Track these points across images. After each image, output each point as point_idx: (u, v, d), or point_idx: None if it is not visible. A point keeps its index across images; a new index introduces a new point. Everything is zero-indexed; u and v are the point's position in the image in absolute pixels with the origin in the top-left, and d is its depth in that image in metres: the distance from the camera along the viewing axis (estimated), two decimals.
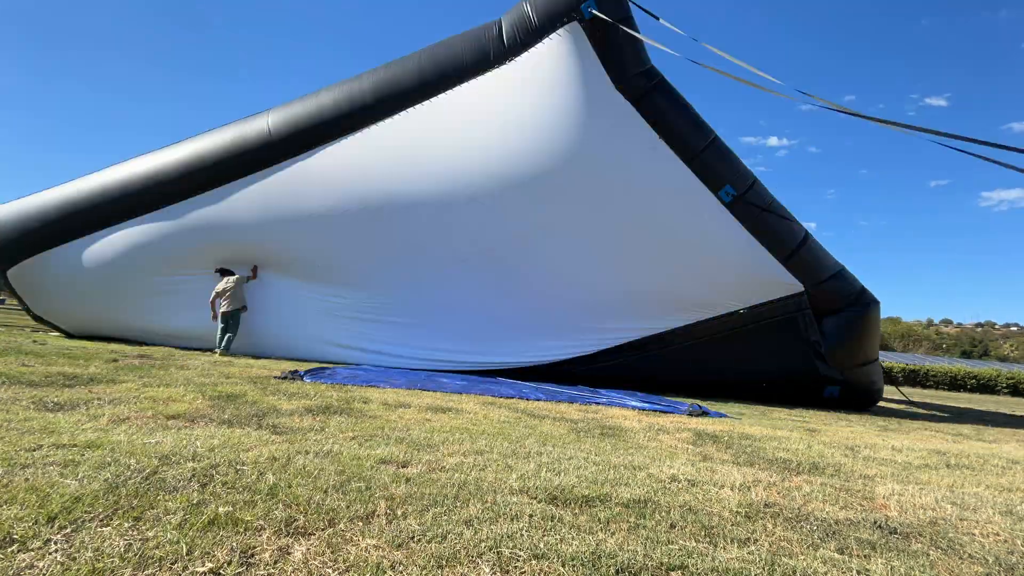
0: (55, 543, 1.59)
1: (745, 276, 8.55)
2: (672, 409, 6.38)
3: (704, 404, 6.94)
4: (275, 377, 5.96)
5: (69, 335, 9.18)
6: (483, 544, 1.82)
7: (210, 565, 1.54)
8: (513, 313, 8.84)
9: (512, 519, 2.08)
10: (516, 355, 8.83)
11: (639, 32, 8.04)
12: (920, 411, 9.90)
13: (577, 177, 8.17)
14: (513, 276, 8.72)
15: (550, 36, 8.06)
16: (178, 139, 8.94)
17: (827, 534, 2.23)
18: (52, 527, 1.68)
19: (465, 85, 8.22)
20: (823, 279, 8.59)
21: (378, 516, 2.01)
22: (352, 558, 1.66)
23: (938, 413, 8.20)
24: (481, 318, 8.81)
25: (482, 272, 8.64)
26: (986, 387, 27.86)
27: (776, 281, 8.54)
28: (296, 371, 6.61)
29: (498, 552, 1.77)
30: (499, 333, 8.80)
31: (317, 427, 3.53)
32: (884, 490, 3.08)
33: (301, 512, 1.97)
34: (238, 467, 2.44)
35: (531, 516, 2.12)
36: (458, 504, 2.20)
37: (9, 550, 1.53)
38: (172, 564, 1.53)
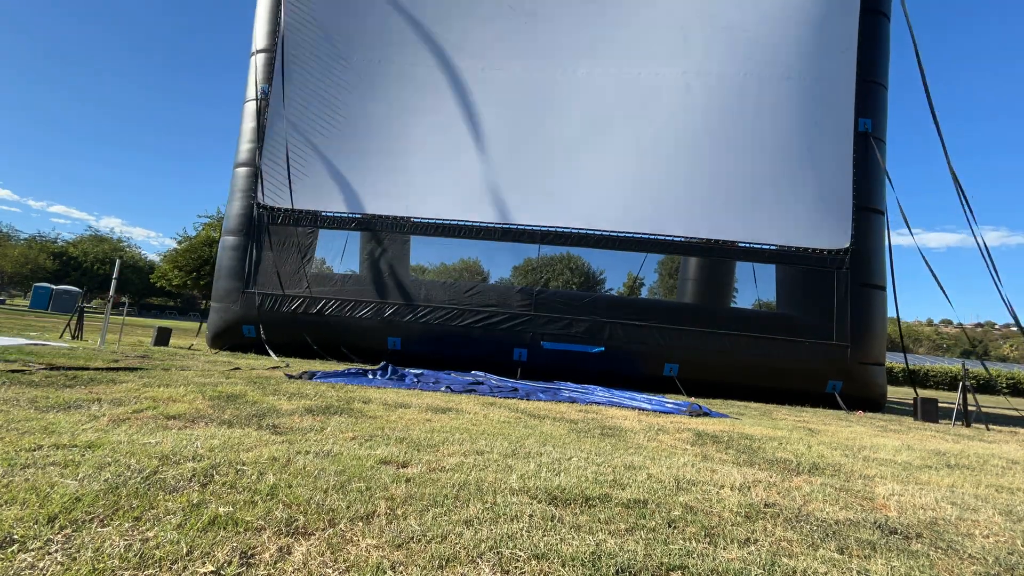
0: (55, 543, 1.59)
1: (818, 206, 9.27)
2: (672, 409, 6.38)
3: (704, 404, 6.95)
4: (291, 376, 5.95)
5: None
6: (483, 544, 1.82)
7: (210, 566, 1.54)
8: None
9: (512, 519, 2.07)
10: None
11: None
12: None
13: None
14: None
15: None
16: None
17: (827, 534, 2.23)
18: (52, 527, 1.68)
19: None
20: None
21: (378, 516, 2.01)
22: (352, 558, 1.66)
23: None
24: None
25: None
26: (986, 387, 27.86)
27: (834, 226, 9.17)
28: (308, 370, 6.64)
29: (498, 552, 1.77)
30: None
31: (317, 427, 3.53)
32: (884, 490, 3.08)
33: (301, 512, 1.97)
34: (238, 467, 2.44)
35: (531, 516, 2.12)
36: (458, 504, 2.20)
37: (9, 550, 1.53)
38: (172, 564, 1.53)
